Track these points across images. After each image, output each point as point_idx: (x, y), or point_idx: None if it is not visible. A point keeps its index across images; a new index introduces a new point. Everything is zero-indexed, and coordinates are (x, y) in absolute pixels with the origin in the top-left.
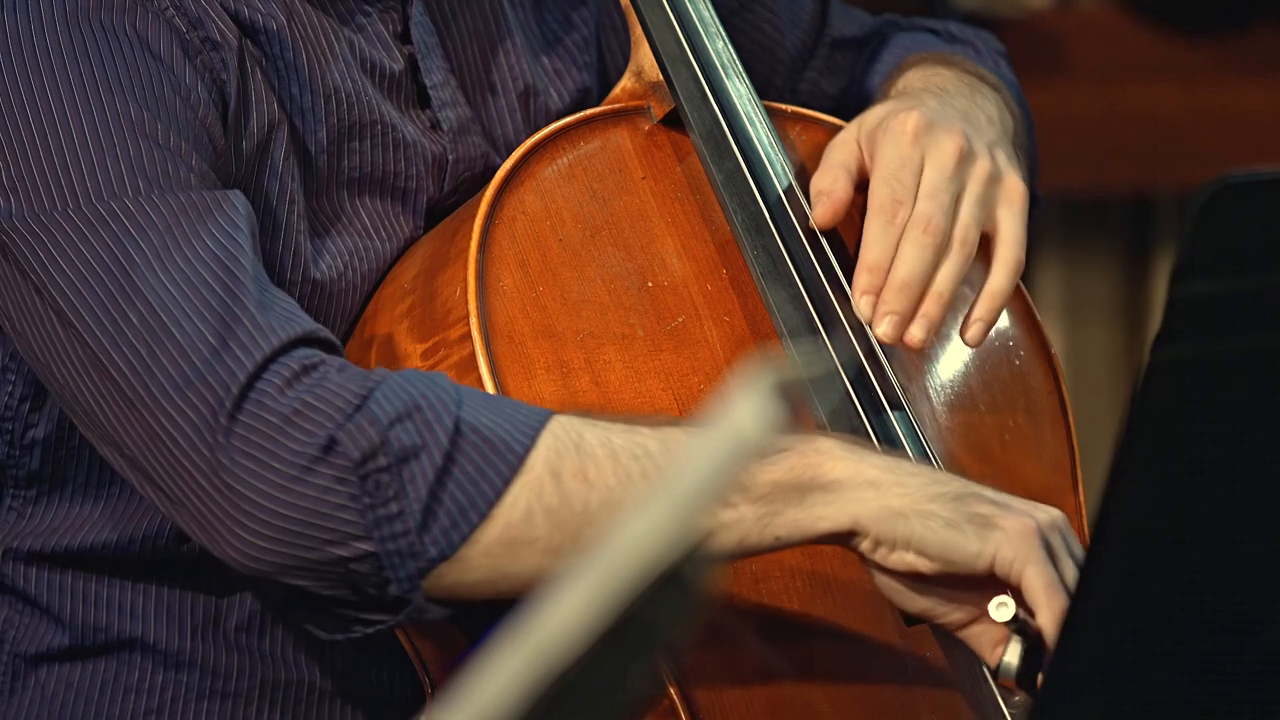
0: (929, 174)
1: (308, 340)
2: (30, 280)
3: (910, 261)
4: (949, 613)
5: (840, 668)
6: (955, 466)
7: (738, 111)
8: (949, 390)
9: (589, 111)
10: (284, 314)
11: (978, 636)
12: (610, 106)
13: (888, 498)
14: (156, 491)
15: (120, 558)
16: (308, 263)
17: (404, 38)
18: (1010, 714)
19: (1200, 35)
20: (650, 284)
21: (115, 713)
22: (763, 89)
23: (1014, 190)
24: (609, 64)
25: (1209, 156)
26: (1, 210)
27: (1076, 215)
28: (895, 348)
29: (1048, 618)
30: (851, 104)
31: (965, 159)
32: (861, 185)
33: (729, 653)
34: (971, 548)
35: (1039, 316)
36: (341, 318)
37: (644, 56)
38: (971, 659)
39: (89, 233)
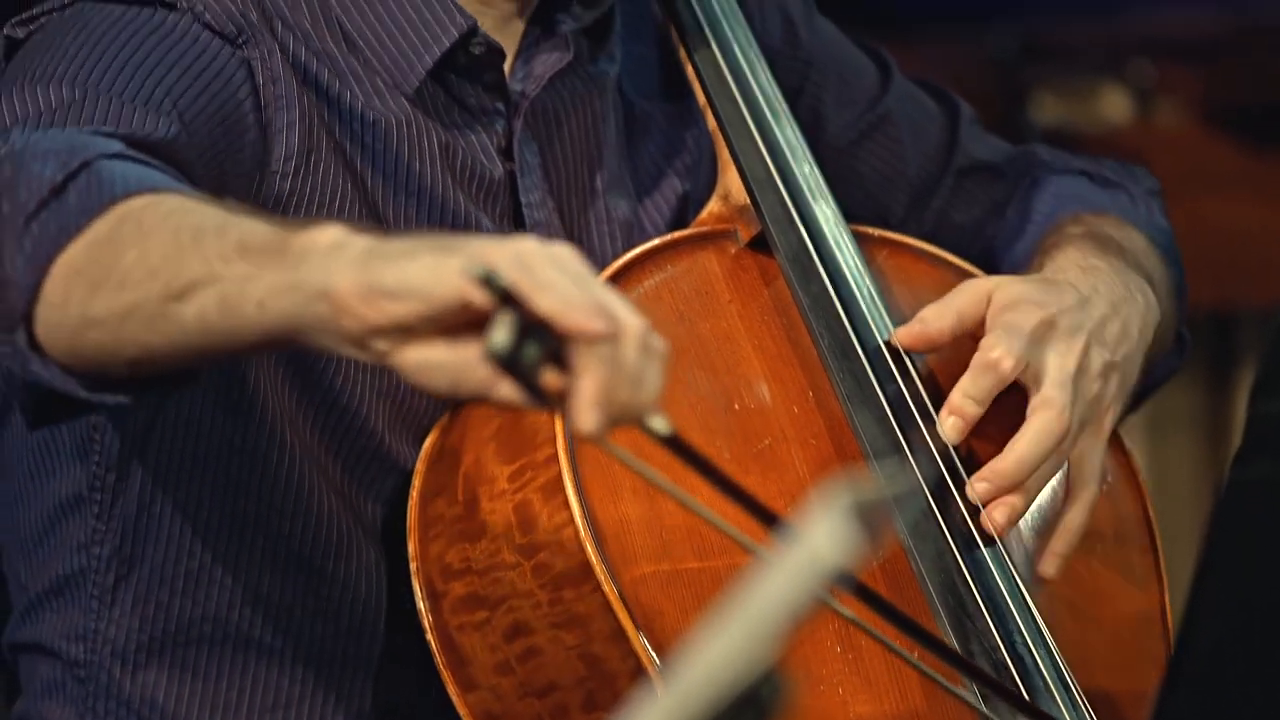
0: (1053, 367)
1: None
2: None
3: (1029, 444)
4: (467, 374)
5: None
6: (1041, 586)
7: (824, 235)
8: (1036, 511)
9: (675, 234)
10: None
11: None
12: (697, 229)
13: (350, 254)
14: None
15: (198, 640)
16: None
17: (506, 153)
18: None
19: None
20: (737, 406)
21: None
22: (882, 217)
23: (1104, 424)
24: (705, 190)
25: None
26: None
27: None
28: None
29: (532, 292)
30: (999, 241)
31: (1081, 373)
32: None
33: None
34: (428, 271)
35: (1124, 439)
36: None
37: (731, 180)
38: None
39: (18, 102)
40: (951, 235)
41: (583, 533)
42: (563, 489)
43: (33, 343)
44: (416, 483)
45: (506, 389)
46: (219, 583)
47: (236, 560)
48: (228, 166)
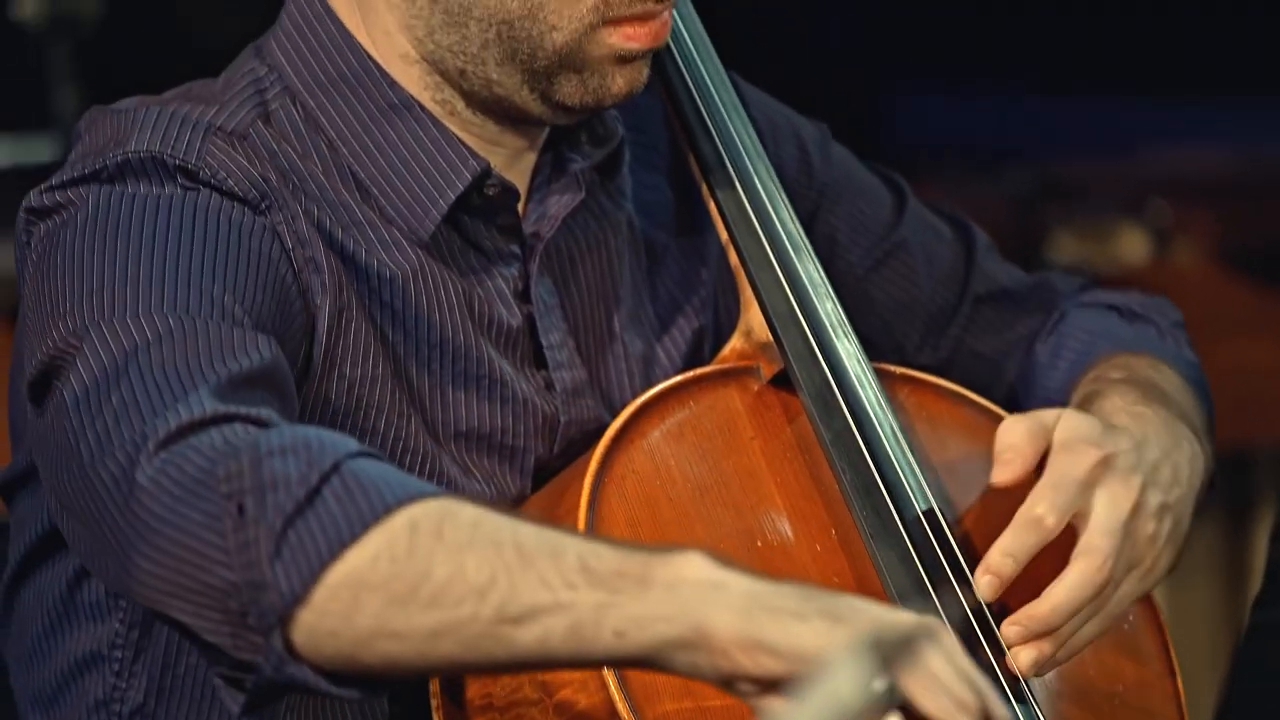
0: (1102, 512)
1: (257, 421)
2: (57, 384)
3: (1067, 592)
4: None
5: None
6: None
7: (847, 372)
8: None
9: (698, 371)
10: (240, 403)
11: None
12: (719, 366)
13: (732, 597)
14: (86, 534)
15: None
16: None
17: (524, 296)
18: None
19: None
20: (760, 544)
21: None
22: (898, 344)
23: (1156, 567)
24: (723, 323)
25: None
26: (53, 336)
27: None
28: (1002, 610)
29: (921, 698)
30: (1026, 375)
31: (1135, 513)
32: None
33: None
34: (819, 640)
35: None
36: None
37: (753, 316)
38: None
39: (110, 338)
40: (969, 363)
41: (605, 669)
42: None
43: (287, 644)
44: None
45: None
46: None
47: None
48: (287, 347)
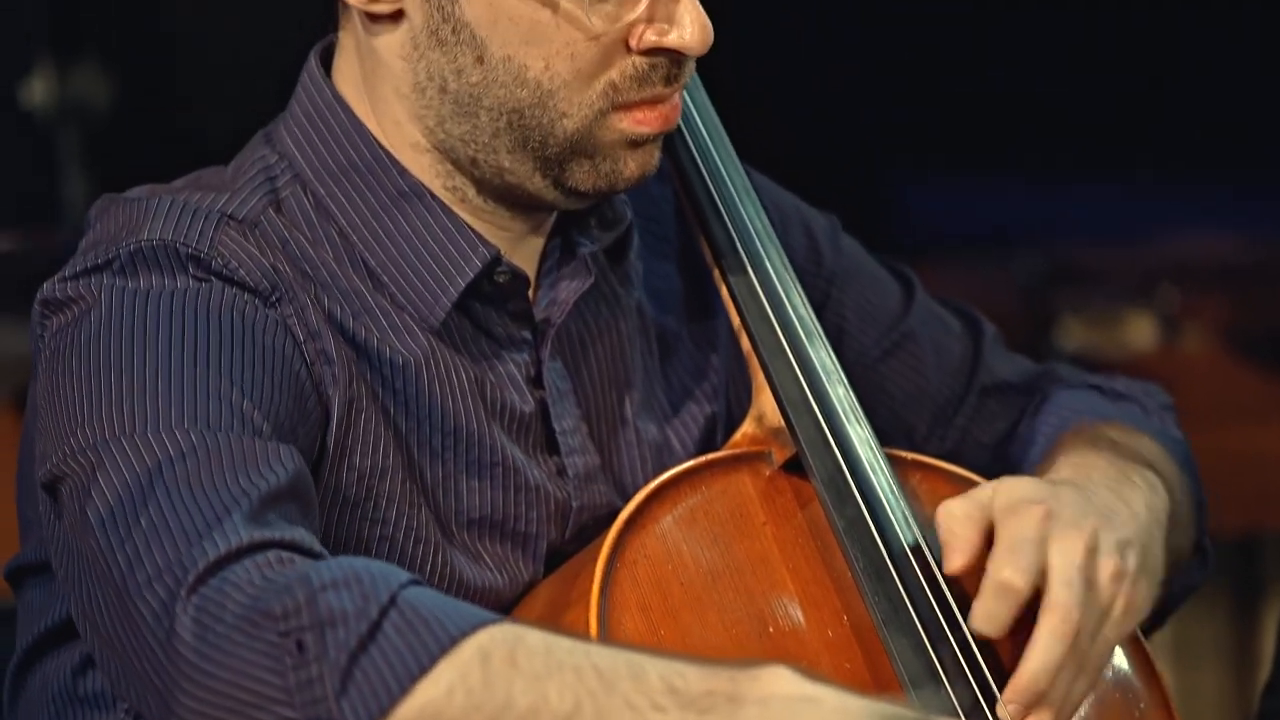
0: (1057, 564)
1: (292, 545)
2: (76, 498)
3: (1040, 654)
4: None
5: None
6: None
7: (859, 458)
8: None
9: (710, 456)
10: (272, 526)
11: None
12: (731, 451)
13: (825, 711)
14: (121, 663)
15: None
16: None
17: (535, 381)
18: None
19: None
20: (772, 630)
21: None
22: (905, 434)
23: (1133, 602)
24: (734, 410)
25: None
26: (70, 445)
27: None
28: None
29: None
30: (1013, 458)
31: (1091, 556)
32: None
33: None
34: None
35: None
36: None
37: (765, 402)
38: None
39: (132, 454)
40: (974, 453)
41: None
42: None
43: None
44: None
45: None
46: None
47: None
48: (304, 444)
